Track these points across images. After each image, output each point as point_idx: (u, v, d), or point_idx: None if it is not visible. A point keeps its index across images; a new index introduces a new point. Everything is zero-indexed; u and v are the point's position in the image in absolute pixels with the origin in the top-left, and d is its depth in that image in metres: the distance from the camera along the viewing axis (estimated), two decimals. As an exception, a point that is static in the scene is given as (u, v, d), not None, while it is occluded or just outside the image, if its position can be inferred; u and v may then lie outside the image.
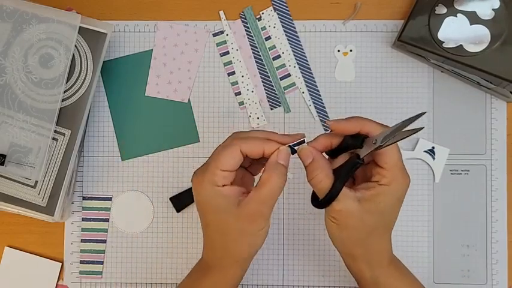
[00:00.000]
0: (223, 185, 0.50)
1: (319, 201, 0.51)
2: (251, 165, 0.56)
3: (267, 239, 0.67)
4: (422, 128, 0.47)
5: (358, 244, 0.53)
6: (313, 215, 0.67)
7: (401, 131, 0.48)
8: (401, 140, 0.47)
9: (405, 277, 0.56)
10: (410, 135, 0.47)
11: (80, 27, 0.63)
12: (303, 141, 0.52)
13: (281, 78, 0.68)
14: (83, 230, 0.68)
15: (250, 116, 0.68)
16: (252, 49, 0.68)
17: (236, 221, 0.51)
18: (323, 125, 0.68)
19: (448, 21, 0.62)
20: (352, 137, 0.51)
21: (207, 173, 0.51)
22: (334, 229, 0.52)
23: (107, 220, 0.68)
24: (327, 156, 0.53)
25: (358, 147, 0.50)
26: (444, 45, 0.62)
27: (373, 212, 0.51)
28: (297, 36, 0.68)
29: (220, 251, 0.53)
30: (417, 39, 0.63)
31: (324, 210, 0.52)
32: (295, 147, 0.52)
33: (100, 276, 0.68)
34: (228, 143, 0.51)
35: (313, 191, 0.52)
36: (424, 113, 0.48)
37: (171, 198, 0.67)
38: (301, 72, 0.68)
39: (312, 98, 0.68)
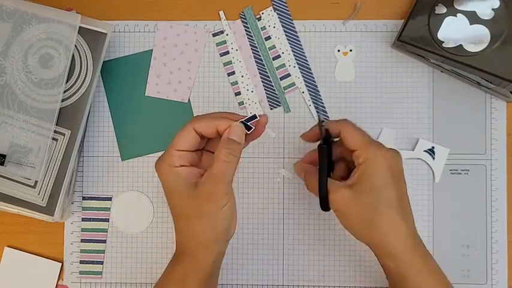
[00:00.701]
0: (181, 166, 0.52)
1: (321, 202, 0.54)
2: None
3: (267, 238, 0.67)
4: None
5: (368, 228, 0.52)
6: (313, 215, 0.67)
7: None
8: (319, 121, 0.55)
9: (432, 273, 0.54)
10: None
11: (80, 27, 0.63)
12: (255, 117, 0.53)
13: (281, 78, 0.68)
14: (83, 230, 0.68)
15: (250, 116, 0.68)
16: (252, 49, 0.68)
17: (194, 202, 0.51)
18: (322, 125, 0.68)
19: (448, 21, 0.62)
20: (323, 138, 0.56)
21: (164, 156, 0.53)
22: (342, 221, 0.54)
23: (106, 220, 0.68)
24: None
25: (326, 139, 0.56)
26: (444, 45, 0.62)
27: (365, 192, 0.52)
28: (297, 36, 0.68)
29: (185, 234, 0.53)
30: (417, 39, 0.63)
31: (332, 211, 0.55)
32: (249, 123, 0.53)
33: (100, 276, 0.68)
34: (184, 125, 0.53)
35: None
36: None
37: (171, 198, 0.67)
38: (301, 72, 0.68)
39: (312, 98, 0.68)
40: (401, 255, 0.53)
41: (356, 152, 0.53)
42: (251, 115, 0.53)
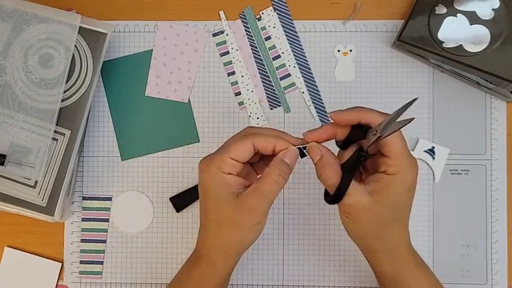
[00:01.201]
0: (229, 174, 0.51)
1: (331, 197, 0.51)
2: (257, 164, 0.56)
3: (267, 238, 0.67)
4: (413, 119, 0.47)
5: (374, 237, 0.52)
6: (313, 215, 0.67)
7: (397, 121, 0.48)
8: (397, 130, 0.48)
9: (425, 275, 0.54)
10: (405, 125, 0.47)
11: (80, 27, 0.63)
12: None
13: (281, 78, 0.68)
14: (83, 230, 0.68)
15: (250, 116, 0.68)
16: (252, 49, 0.68)
17: (233, 212, 0.51)
18: (323, 125, 0.67)
19: (448, 21, 0.62)
20: (357, 127, 0.51)
21: (216, 159, 0.52)
22: (349, 224, 0.52)
23: (106, 220, 0.68)
24: (337, 152, 0.54)
25: (362, 139, 0.51)
26: (444, 45, 0.62)
27: (385, 204, 0.50)
28: (297, 36, 0.68)
29: (212, 239, 0.53)
30: (417, 39, 0.63)
31: (331, 207, 0.53)
32: (305, 151, 0.52)
33: (100, 276, 0.68)
34: (241, 135, 0.53)
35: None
36: (416, 98, 0.48)
37: (171, 198, 0.67)
38: (301, 72, 0.68)
39: (312, 98, 0.68)
40: (400, 262, 0.53)
41: (388, 160, 0.50)
42: (305, 144, 0.53)
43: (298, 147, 0.52)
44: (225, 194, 0.51)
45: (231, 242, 0.52)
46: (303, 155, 0.53)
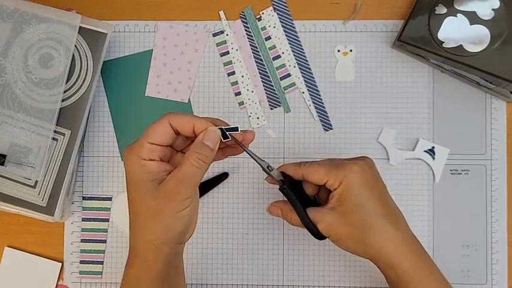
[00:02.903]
0: (150, 160, 0.49)
1: (312, 235, 0.55)
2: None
3: (267, 238, 0.67)
4: (236, 127, 0.50)
5: (363, 245, 0.53)
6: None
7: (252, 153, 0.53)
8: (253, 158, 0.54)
9: (432, 274, 0.54)
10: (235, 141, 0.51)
11: (80, 27, 0.63)
12: (237, 129, 0.50)
13: (281, 78, 0.68)
14: (83, 230, 0.68)
15: (250, 116, 0.68)
16: (252, 49, 0.68)
17: (153, 200, 0.48)
18: (323, 125, 0.68)
19: (448, 21, 0.62)
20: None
21: (135, 146, 0.49)
22: (340, 243, 0.55)
23: (107, 220, 0.68)
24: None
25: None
26: (444, 45, 0.62)
27: (350, 211, 0.53)
28: (297, 36, 0.68)
29: (139, 232, 0.50)
30: (417, 39, 0.63)
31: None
32: (228, 133, 0.50)
33: (100, 276, 0.68)
34: (160, 118, 0.50)
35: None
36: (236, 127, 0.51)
37: (171, 198, 0.67)
38: (301, 72, 0.68)
39: (312, 98, 0.68)
40: (401, 264, 0.53)
41: (328, 183, 0.54)
42: (233, 126, 0.50)
43: (220, 128, 0.50)
44: (146, 182, 0.48)
45: (156, 232, 0.49)
46: (225, 137, 0.50)
